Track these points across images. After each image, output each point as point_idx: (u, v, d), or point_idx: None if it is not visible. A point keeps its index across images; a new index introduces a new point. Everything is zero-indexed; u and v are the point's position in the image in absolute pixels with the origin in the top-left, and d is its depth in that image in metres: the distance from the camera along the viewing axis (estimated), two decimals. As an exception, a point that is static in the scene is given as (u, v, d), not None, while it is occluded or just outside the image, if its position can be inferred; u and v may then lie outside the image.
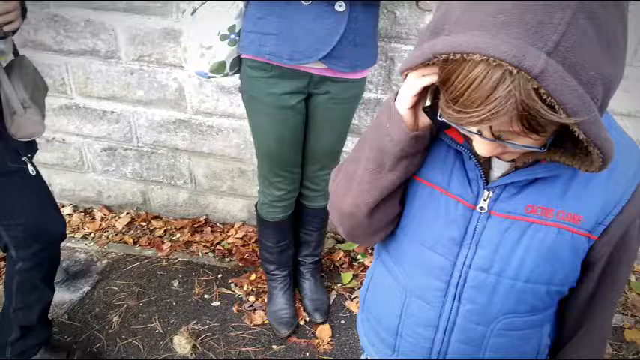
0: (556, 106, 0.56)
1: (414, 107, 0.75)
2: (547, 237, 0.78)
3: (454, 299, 0.86)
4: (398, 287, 0.93)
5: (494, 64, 0.56)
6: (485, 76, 0.57)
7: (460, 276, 0.84)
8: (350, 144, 2.30)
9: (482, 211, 0.80)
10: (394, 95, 0.78)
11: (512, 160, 0.77)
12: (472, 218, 0.81)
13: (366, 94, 2.17)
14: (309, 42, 1.54)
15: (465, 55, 0.58)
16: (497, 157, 0.78)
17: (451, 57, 0.59)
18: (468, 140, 0.77)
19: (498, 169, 0.80)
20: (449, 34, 0.61)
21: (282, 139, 1.75)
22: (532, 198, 0.78)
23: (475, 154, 0.77)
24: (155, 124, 2.45)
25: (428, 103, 0.73)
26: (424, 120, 0.77)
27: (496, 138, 0.66)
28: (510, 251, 0.80)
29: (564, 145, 0.70)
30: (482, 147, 0.70)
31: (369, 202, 0.83)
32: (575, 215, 0.77)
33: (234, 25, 1.59)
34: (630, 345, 2.06)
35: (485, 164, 0.79)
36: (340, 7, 1.51)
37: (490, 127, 0.64)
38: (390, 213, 0.87)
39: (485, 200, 0.80)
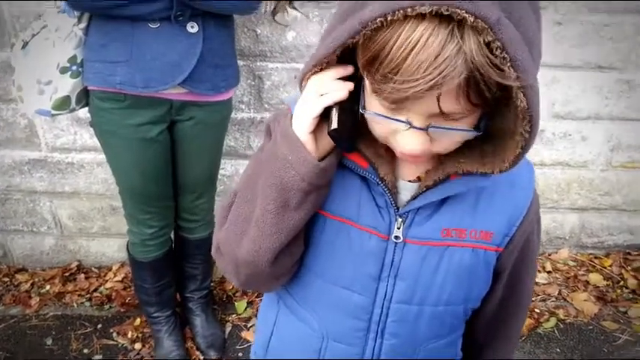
0: (506, 65, 0.51)
1: (314, 131, 0.67)
2: (463, 258, 0.76)
3: (377, 336, 0.81)
4: (312, 334, 0.84)
5: (446, 12, 0.49)
6: (431, 34, 0.50)
7: (381, 312, 0.79)
8: (228, 166, 2.22)
9: (398, 241, 0.74)
10: (284, 120, 0.68)
11: (419, 180, 0.73)
12: (387, 249, 0.75)
13: (239, 114, 2.10)
14: (163, 67, 1.44)
15: (409, 11, 0.50)
16: (402, 178, 0.74)
17: (389, 18, 0.51)
18: (374, 162, 0.71)
19: (406, 192, 0.75)
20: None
21: (145, 173, 1.62)
22: (445, 219, 0.74)
23: (382, 179, 0.71)
24: (6, 166, 2.20)
25: (335, 125, 0.65)
26: (325, 145, 0.69)
27: (427, 127, 0.60)
28: (431, 278, 0.76)
29: (472, 155, 0.67)
30: (411, 140, 0.62)
31: (273, 248, 0.71)
32: (486, 232, 0.75)
33: (74, 56, 1.45)
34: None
35: (392, 189, 0.73)
36: (192, 27, 1.43)
37: (438, 102, 0.56)
38: (295, 255, 0.77)
39: (398, 228, 0.74)
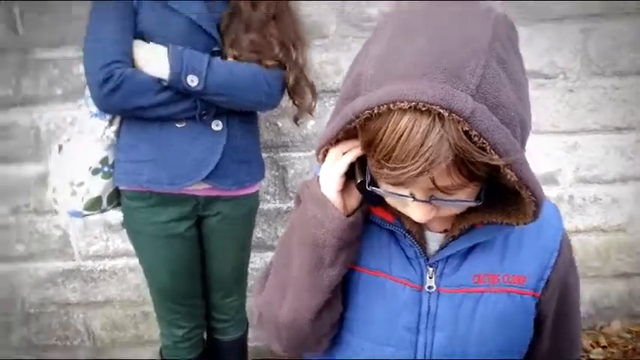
0: (487, 148, 0.55)
1: (341, 190, 0.71)
2: (499, 304, 0.76)
3: None
4: None
5: (423, 109, 0.54)
6: (414, 125, 0.55)
7: None
8: (257, 259, 2.20)
9: (432, 290, 0.75)
10: (312, 184, 0.73)
11: (445, 231, 0.74)
12: (422, 299, 0.76)
13: (265, 205, 2.13)
14: (188, 164, 1.49)
15: (391, 106, 0.55)
16: (428, 229, 0.75)
17: (375, 111, 0.57)
18: (400, 215, 0.73)
19: (434, 242, 0.76)
20: (367, 93, 0.59)
21: (174, 271, 1.62)
22: (475, 266, 0.75)
23: (409, 231, 0.74)
24: (41, 279, 2.21)
25: (361, 178, 0.69)
26: (352, 202, 0.72)
27: (430, 199, 0.63)
28: (469, 327, 0.76)
29: (495, 206, 0.69)
30: (417, 212, 0.66)
31: (312, 307, 0.73)
32: (519, 276, 0.76)
33: (106, 157, 1.52)
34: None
35: (420, 240, 0.75)
36: (217, 125, 1.50)
37: (433, 182, 0.60)
38: (334, 313, 0.78)
39: (430, 278, 0.75)
